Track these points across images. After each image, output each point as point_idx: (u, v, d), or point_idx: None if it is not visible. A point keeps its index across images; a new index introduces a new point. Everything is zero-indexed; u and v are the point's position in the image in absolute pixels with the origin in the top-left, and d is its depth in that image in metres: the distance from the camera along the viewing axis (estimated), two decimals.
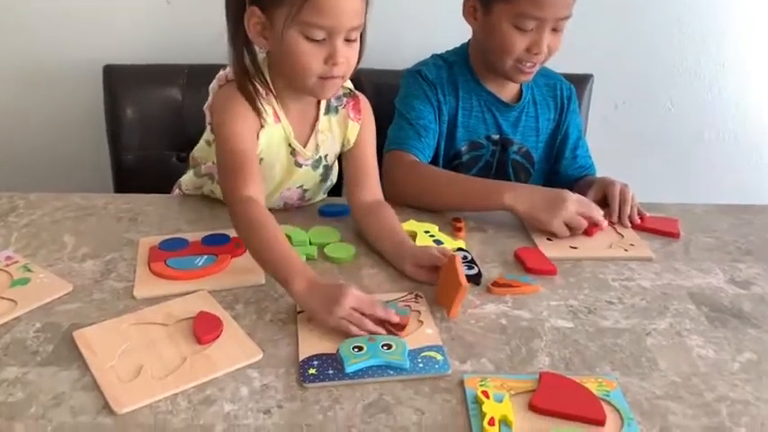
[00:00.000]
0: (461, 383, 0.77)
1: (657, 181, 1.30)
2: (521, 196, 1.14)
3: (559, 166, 1.42)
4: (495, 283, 0.97)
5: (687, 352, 0.85)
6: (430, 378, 0.77)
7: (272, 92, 1.07)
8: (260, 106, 1.05)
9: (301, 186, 1.19)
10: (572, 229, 1.12)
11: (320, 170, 1.18)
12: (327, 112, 1.14)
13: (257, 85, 1.05)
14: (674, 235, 1.16)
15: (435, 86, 1.33)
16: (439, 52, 1.40)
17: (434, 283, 0.94)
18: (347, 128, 1.16)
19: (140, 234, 1.08)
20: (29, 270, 0.96)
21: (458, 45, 1.39)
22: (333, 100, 1.14)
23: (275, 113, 1.08)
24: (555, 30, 1.24)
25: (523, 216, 1.15)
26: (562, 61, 1.36)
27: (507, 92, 1.38)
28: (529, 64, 1.26)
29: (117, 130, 1.59)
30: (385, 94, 1.38)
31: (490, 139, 1.37)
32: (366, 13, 1.00)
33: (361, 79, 1.50)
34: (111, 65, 1.58)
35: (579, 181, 1.38)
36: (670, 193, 1.26)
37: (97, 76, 1.57)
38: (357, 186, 1.16)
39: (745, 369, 0.82)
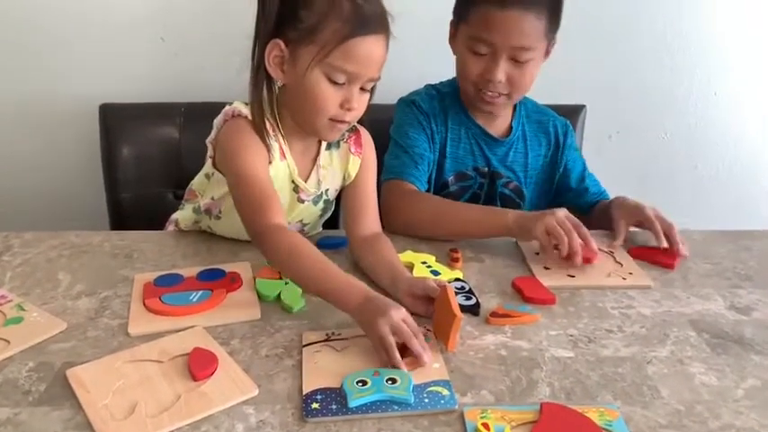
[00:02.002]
0: (461, 416, 0.75)
1: None
2: (522, 215, 1.14)
3: (568, 199, 1.41)
4: (494, 314, 0.96)
5: (689, 379, 0.84)
6: (429, 413, 0.76)
7: (279, 130, 1.08)
8: (269, 142, 1.06)
9: (301, 221, 1.19)
10: (555, 242, 1.09)
11: (321, 205, 1.18)
12: (329, 147, 1.15)
13: (267, 121, 1.06)
14: (670, 265, 1.14)
15: (429, 116, 1.34)
16: (432, 83, 1.42)
17: (430, 314, 0.93)
18: (348, 162, 1.16)
19: (135, 270, 1.07)
20: (22, 309, 0.95)
21: (446, 77, 1.40)
22: None
23: (281, 150, 1.09)
24: (516, 61, 1.22)
25: (517, 231, 1.14)
26: (555, 92, 1.38)
27: (496, 126, 1.38)
28: (489, 93, 1.26)
29: (113, 169, 1.59)
30: (375, 128, 1.38)
31: (478, 171, 1.37)
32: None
33: None
34: (107, 103, 1.59)
35: (595, 207, 1.37)
36: None
37: (94, 114, 1.58)
38: (356, 220, 1.16)
39: (750, 396, 0.81)
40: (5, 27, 1.66)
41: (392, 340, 0.82)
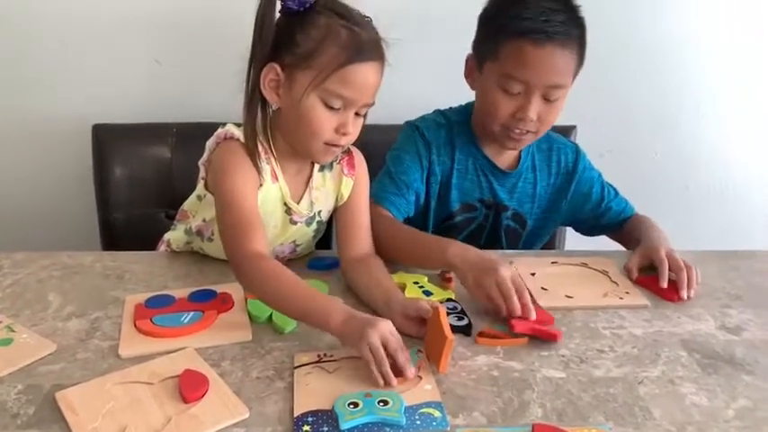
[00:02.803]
0: None
1: None
2: (462, 254, 1.06)
3: (591, 222, 1.41)
4: (482, 334, 0.96)
5: (680, 400, 0.84)
6: None
7: (272, 153, 1.09)
8: (260, 165, 1.06)
9: (294, 242, 1.19)
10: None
11: (314, 226, 1.19)
12: (322, 168, 1.16)
13: (260, 144, 1.07)
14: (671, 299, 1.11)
15: (430, 145, 1.30)
16: (442, 108, 1.38)
17: (422, 336, 0.93)
18: (341, 183, 1.17)
19: (127, 291, 1.07)
20: (12, 330, 0.94)
21: (442, 99, 1.39)
22: None
23: (273, 173, 1.10)
24: (547, 99, 1.19)
25: (458, 273, 1.07)
26: None
27: (505, 158, 1.35)
28: (517, 131, 1.22)
29: (105, 189, 1.59)
30: (367, 147, 1.39)
31: (484, 203, 1.35)
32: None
33: None
34: (99, 124, 1.59)
35: (624, 227, 1.36)
36: None
37: (86, 134, 1.58)
38: (348, 240, 1.16)
39: (740, 416, 0.81)
40: None
41: (383, 352, 0.82)
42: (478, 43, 1.26)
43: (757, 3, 1.81)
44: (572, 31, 1.17)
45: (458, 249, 1.07)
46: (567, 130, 1.65)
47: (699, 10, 1.81)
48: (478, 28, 1.26)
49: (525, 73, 1.16)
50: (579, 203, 1.39)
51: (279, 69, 1.01)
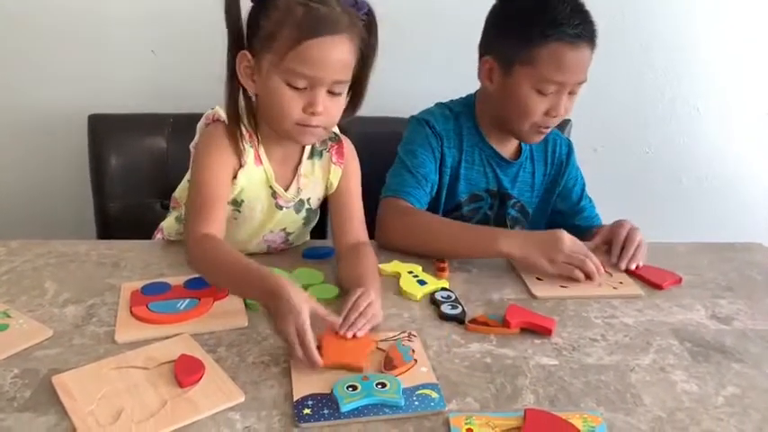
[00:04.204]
0: (447, 422, 0.76)
1: (638, 223, 1.33)
2: (516, 242, 1.12)
3: (563, 218, 1.43)
4: (474, 321, 0.97)
5: (671, 387, 0.85)
6: (415, 417, 0.76)
7: (256, 136, 1.09)
8: (242, 147, 1.07)
9: (284, 229, 1.19)
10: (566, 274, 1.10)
11: (303, 213, 1.19)
12: (312, 156, 1.16)
13: (244, 127, 1.07)
14: (659, 286, 1.13)
15: (441, 138, 1.33)
16: (444, 101, 1.40)
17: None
18: (330, 172, 1.17)
19: (123, 279, 1.07)
20: (8, 316, 0.94)
21: (442, 92, 1.41)
22: (317, 144, 1.16)
23: (257, 156, 1.10)
24: (571, 93, 1.24)
25: (520, 262, 1.14)
26: None
27: (508, 148, 1.39)
28: (545, 127, 1.26)
29: (101, 179, 1.60)
30: (371, 140, 1.39)
31: (489, 192, 1.38)
32: (368, 67, 1.04)
33: (347, 126, 1.53)
34: (96, 114, 1.59)
35: (587, 233, 1.35)
36: (650, 234, 1.28)
37: (82, 124, 1.59)
38: (341, 228, 1.16)
39: (730, 403, 0.82)
40: None
41: (296, 339, 0.83)
42: (500, 47, 1.26)
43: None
44: (594, 31, 1.21)
45: (510, 240, 1.13)
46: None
47: (693, 5, 1.82)
48: (495, 31, 1.27)
49: (564, 75, 1.20)
50: (563, 197, 1.44)
51: (249, 56, 1.02)
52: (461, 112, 1.36)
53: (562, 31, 1.17)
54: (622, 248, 1.19)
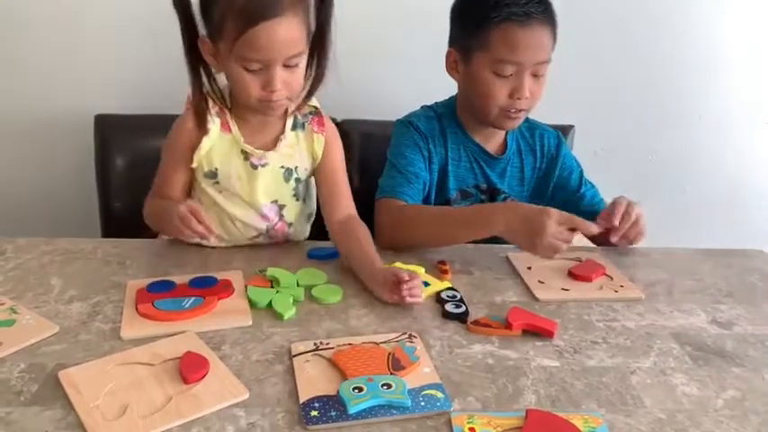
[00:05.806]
0: (449, 421, 0.76)
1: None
2: (503, 218, 1.15)
3: (566, 207, 1.41)
4: (476, 322, 0.97)
5: (671, 389, 0.85)
6: (417, 417, 0.77)
7: (226, 107, 1.16)
8: (208, 118, 1.13)
9: (276, 201, 1.22)
10: (555, 250, 1.12)
11: (292, 183, 1.22)
12: (294, 128, 1.21)
13: (212, 100, 1.14)
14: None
15: (426, 137, 1.35)
16: (428, 103, 1.43)
17: (398, 302, 0.99)
18: (313, 141, 1.22)
19: (128, 277, 1.08)
20: (15, 312, 0.95)
21: (443, 95, 1.43)
22: (299, 116, 1.21)
23: (225, 124, 1.16)
24: (535, 75, 1.26)
25: (507, 238, 1.17)
26: (544, 113, 1.40)
27: (493, 143, 1.40)
28: (513, 110, 1.28)
29: (107, 179, 1.61)
30: (371, 142, 1.41)
31: (479, 188, 1.40)
32: (325, 35, 1.09)
33: (348, 128, 1.54)
34: (102, 114, 1.61)
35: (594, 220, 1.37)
36: (652, 240, 1.28)
37: (88, 125, 1.60)
38: (329, 205, 1.22)
39: (730, 406, 0.83)
40: (0, 38, 1.68)
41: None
42: (459, 37, 1.32)
43: (758, 7, 1.83)
44: (546, 8, 1.25)
45: (499, 217, 1.16)
46: (565, 130, 1.67)
47: (700, 13, 1.83)
48: (455, 23, 1.33)
49: (517, 54, 1.23)
50: (560, 187, 1.44)
51: (209, 41, 1.07)
52: (444, 113, 1.40)
53: (510, 11, 1.21)
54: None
